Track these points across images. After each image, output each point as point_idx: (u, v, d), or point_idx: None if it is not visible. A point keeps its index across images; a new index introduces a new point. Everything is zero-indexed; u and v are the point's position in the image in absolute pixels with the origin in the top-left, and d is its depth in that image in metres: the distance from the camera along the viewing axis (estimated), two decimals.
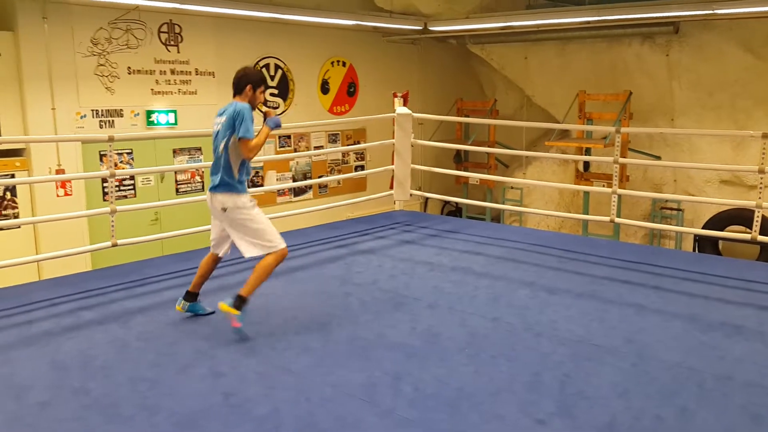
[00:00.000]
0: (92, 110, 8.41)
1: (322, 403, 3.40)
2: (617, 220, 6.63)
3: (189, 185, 9.42)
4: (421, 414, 3.29)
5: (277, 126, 4.43)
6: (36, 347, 4.13)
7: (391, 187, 7.99)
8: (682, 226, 10.42)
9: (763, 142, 5.59)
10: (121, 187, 8.67)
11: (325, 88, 11.28)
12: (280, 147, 10.66)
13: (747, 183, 10.17)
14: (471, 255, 6.30)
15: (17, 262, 5.49)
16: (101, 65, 8.43)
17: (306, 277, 5.61)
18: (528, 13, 10.50)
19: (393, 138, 7.70)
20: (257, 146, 4.22)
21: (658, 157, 10.75)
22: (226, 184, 4.23)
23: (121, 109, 8.66)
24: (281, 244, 4.26)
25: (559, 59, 11.66)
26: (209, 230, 4.61)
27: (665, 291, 5.17)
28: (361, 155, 11.93)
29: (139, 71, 8.79)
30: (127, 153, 8.73)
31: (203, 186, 9.43)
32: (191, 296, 4.58)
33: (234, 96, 4.34)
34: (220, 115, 4.32)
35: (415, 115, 7.76)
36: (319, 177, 11.06)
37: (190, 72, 9.31)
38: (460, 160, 12.64)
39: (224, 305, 4.13)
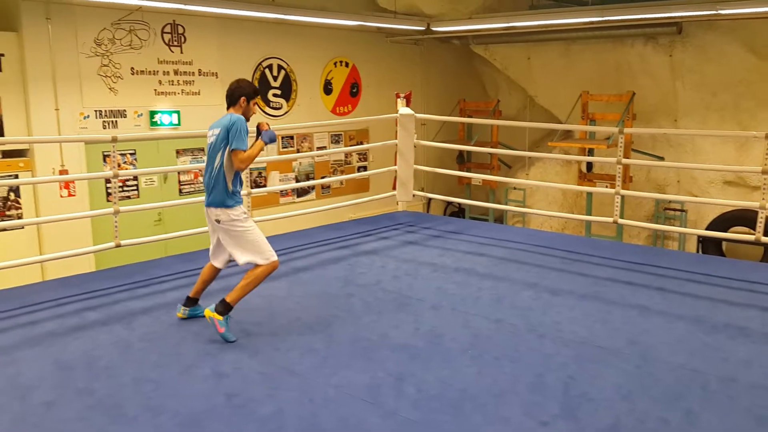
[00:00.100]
0: (96, 111, 8.42)
1: (326, 404, 3.40)
2: (620, 221, 6.62)
3: (192, 186, 9.42)
4: (424, 415, 3.29)
5: (272, 141, 4.45)
6: (40, 348, 4.15)
7: (394, 188, 7.99)
8: (685, 227, 10.41)
9: (766, 142, 5.57)
10: (125, 188, 8.68)
11: (328, 89, 11.29)
12: (283, 147, 10.67)
13: (750, 184, 10.14)
14: (474, 256, 6.29)
15: (21, 263, 5.49)
16: (104, 66, 8.45)
17: (309, 278, 5.61)
18: (531, 14, 10.49)
19: (396, 138, 7.70)
20: (249, 158, 4.25)
21: (662, 158, 10.73)
22: (221, 197, 4.24)
23: (124, 110, 8.67)
24: (273, 257, 4.26)
25: (562, 60, 11.65)
26: None
27: (669, 292, 5.17)
28: (363, 156, 11.93)
29: (142, 72, 8.80)
30: (131, 153, 8.75)
31: None
32: (191, 302, 4.60)
33: (228, 108, 4.37)
34: (214, 127, 4.34)
35: (418, 115, 7.75)
36: (322, 177, 11.06)
37: (193, 73, 9.32)
38: (462, 160, 12.64)
39: (208, 311, 4.17)
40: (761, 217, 5.76)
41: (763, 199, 5.61)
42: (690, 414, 3.30)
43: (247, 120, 4.35)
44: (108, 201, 8.32)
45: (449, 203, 13.03)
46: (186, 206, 7.02)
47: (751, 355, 4.00)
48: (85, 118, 8.32)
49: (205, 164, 4.38)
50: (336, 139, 11.43)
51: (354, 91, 11.72)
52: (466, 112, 12.45)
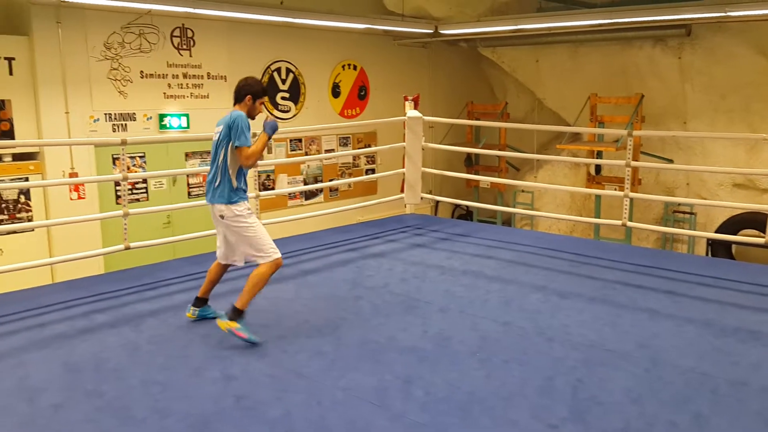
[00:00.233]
0: (105, 114, 8.47)
1: (334, 407, 3.40)
2: (629, 223, 6.59)
3: (201, 188, 9.45)
4: (432, 418, 3.28)
5: (274, 130, 4.39)
6: (49, 350, 4.16)
7: (402, 191, 7.98)
8: (694, 229, 10.36)
9: None
10: (134, 191, 8.72)
11: (336, 92, 11.31)
12: (291, 150, 10.69)
13: (760, 186, 10.09)
14: (482, 259, 6.28)
15: (31, 265, 5.52)
16: (114, 69, 8.49)
17: (317, 281, 5.61)
18: (539, 16, 10.48)
19: (404, 141, 7.70)
20: (255, 154, 4.22)
21: (671, 161, 10.69)
22: (224, 193, 4.23)
23: (133, 113, 8.71)
24: (275, 254, 4.24)
25: (570, 62, 11.62)
26: None
27: (678, 296, 5.14)
28: (371, 158, 11.94)
29: (151, 75, 8.84)
30: (140, 156, 8.78)
31: None
32: (200, 302, 4.61)
33: (234, 104, 4.36)
34: (219, 124, 4.33)
35: (426, 118, 7.75)
36: (330, 180, 11.07)
37: (202, 76, 9.35)
38: (470, 163, 12.63)
39: (221, 322, 4.12)
40: None
41: None
42: (699, 417, 3.28)
43: (252, 118, 4.34)
44: (117, 203, 8.37)
45: (457, 206, 13.01)
46: (194, 209, 7.06)
47: (761, 358, 3.98)
48: (94, 121, 8.37)
49: (210, 161, 4.38)
50: (344, 141, 11.44)
51: (362, 93, 11.73)
52: (474, 115, 12.44)
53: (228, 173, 4.23)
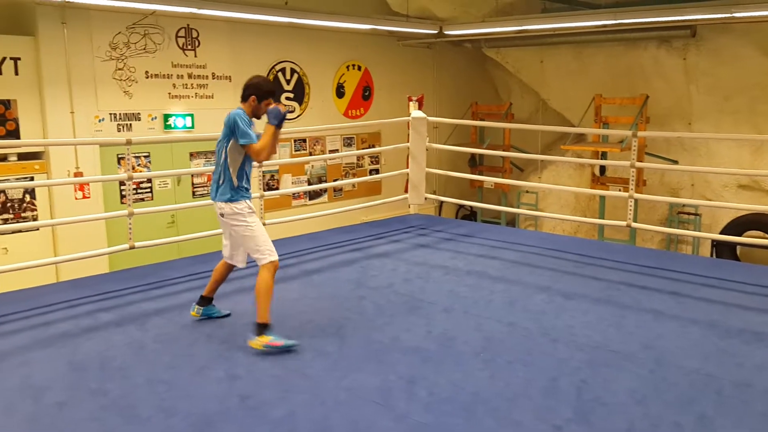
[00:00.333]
0: (110, 114, 8.49)
1: (337, 407, 3.40)
2: (634, 224, 6.58)
3: (205, 188, 9.46)
4: (436, 418, 3.28)
5: (278, 118, 4.20)
6: (54, 348, 4.17)
7: (406, 191, 7.98)
8: (699, 231, 10.34)
9: None
10: (139, 190, 8.74)
11: (340, 92, 11.32)
12: (296, 150, 10.70)
13: (765, 188, 10.07)
14: (486, 259, 6.28)
15: (36, 264, 5.53)
16: (119, 69, 8.52)
17: (321, 281, 5.62)
18: (544, 17, 10.47)
19: (408, 142, 7.70)
20: (264, 148, 4.17)
21: (675, 162, 10.67)
22: (224, 191, 4.23)
23: (138, 113, 8.74)
24: (271, 256, 4.17)
25: (575, 63, 11.61)
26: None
27: (683, 297, 5.13)
28: (375, 159, 11.94)
29: (156, 75, 8.86)
30: (145, 156, 8.80)
31: None
32: (205, 301, 4.61)
33: (241, 102, 4.30)
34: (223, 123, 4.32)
35: (430, 118, 7.75)
36: (334, 180, 11.08)
37: (206, 76, 9.37)
38: (474, 163, 12.62)
39: (253, 343, 4.03)
40: None
41: None
42: (704, 419, 3.27)
43: (258, 118, 4.33)
44: (122, 203, 8.39)
45: (461, 206, 13.00)
46: (199, 208, 7.07)
47: (766, 359, 3.97)
48: (99, 121, 8.39)
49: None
50: (348, 142, 11.44)
51: (366, 94, 11.74)
52: (479, 115, 12.44)
53: (229, 172, 4.22)
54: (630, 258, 6.25)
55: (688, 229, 10.56)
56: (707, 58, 10.17)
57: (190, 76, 9.20)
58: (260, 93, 4.27)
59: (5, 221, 7.70)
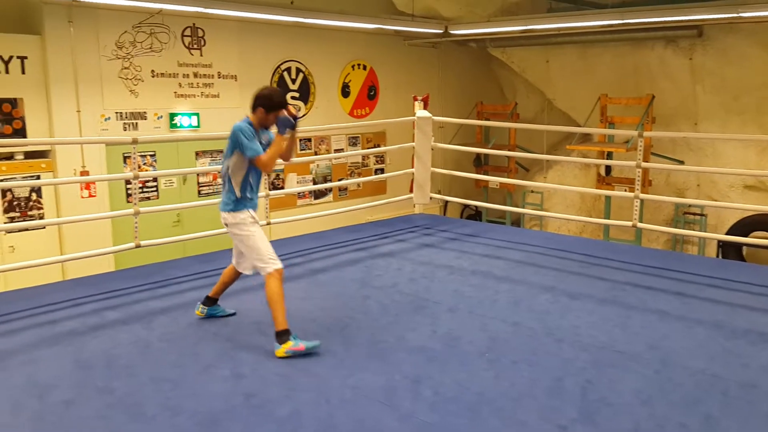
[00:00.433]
0: (116, 113, 8.51)
1: (342, 406, 3.41)
2: (639, 225, 6.57)
3: (211, 187, 9.49)
4: (441, 418, 3.28)
5: (287, 125, 4.20)
6: (60, 346, 4.19)
7: (411, 191, 7.99)
8: (705, 231, 10.30)
9: None
10: (144, 189, 8.76)
11: (345, 92, 11.32)
12: (301, 150, 10.70)
13: None
14: (491, 259, 6.27)
15: (42, 263, 5.56)
16: (125, 68, 8.53)
17: (326, 280, 5.62)
18: (549, 17, 10.45)
19: (413, 141, 7.70)
20: (272, 159, 4.19)
21: (681, 162, 10.64)
22: (227, 202, 4.24)
23: (144, 112, 8.76)
24: (274, 265, 4.15)
25: (580, 62, 11.59)
26: None
27: (689, 297, 5.12)
28: (381, 158, 11.95)
29: (162, 74, 8.88)
30: (151, 155, 8.83)
31: None
32: (211, 301, 4.63)
33: (250, 112, 4.26)
34: None
35: (436, 118, 7.75)
36: (339, 180, 11.09)
37: (212, 75, 9.38)
38: (480, 163, 12.61)
39: (278, 351, 4.00)
40: None
41: None
42: (710, 419, 3.27)
43: (267, 129, 4.31)
44: (128, 202, 8.40)
45: (466, 206, 12.99)
46: (204, 207, 7.08)
47: None
48: (105, 120, 8.42)
49: None
50: (353, 141, 11.45)
51: (371, 93, 11.74)
52: (484, 115, 12.42)
53: (231, 183, 4.22)
54: (635, 258, 6.24)
55: (693, 230, 10.53)
56: (714, 58, 10.14)
57: (195, 75, 9.21)
58: (270, 104, 4.20)
59: (12, 220, 7.73)
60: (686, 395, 3.52)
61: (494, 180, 10.74)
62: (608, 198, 10.69)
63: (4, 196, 7.67)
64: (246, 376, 3.76)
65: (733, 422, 3.25)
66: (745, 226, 9.78)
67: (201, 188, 9.44)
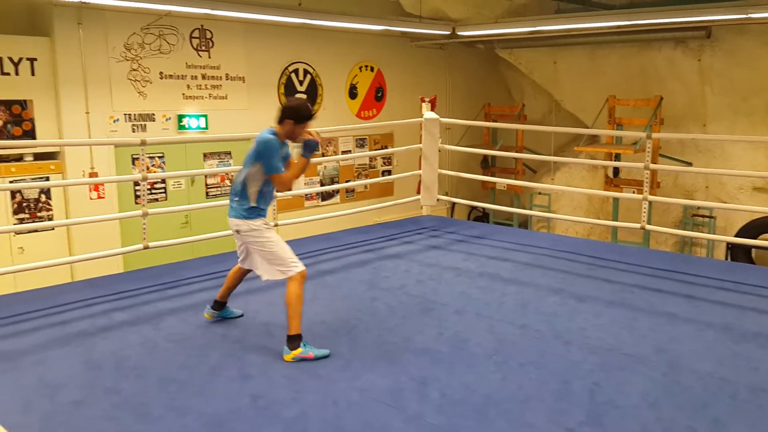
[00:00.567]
0: (125, 114, 8.55)
1: (349, 407, 3.41)
2: (648, 227, 6.54)
3: (219, 189, 9.52)
4: (448, 420, 3.28)
5: (313, 151, 4.26)
6: (70, 347, 4.21)
7: (418, 192, 7.99)
8: (714, 233, 10.25)
9: None
10: (153, 191, 8.80)
11: (353, 93, 11.33)
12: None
13: None
14: (498, 261, 6.26)
15: (51, 264, 5.59)
16: (134, 70, 8.58)
17: (333, 282, 5.63)
18: (557, 18, 10.43)
19: (420, 143, 7.70)
20: (291, 180, 4.16)
21: (690, 164, 10.60)
22: (241, 210, 4.16)
23: (153, 114, 8.79)
24: (297, 267, 4.11)
25: (588, 64, 11.56)
26: None
27: (697, 300, 5.09)
28: (388, 160, 11.95)
29: (170, 76, 8.92)
30: (159, 157, 8.86)
31: None
32: (219, 305, 4.60)
33: (276, 123, 4.20)
34: (254, 139, 4.19)
35: (443, 119, 7.75)
36: (347, 181, 11.10)
37: (220, 77, 9.42)
38: (487, 165, 12.60)
39: (287, 356, 4.00)
40: None
41: None
42: (718, 423, 3.25)
43: (294, 140, 4.26)
44: (136, 203, 8.45)
45: (473, 208, 12.98)
46: (212, 209, 7.10)
47: None
48: (114, 121, 8.46)
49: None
50: (361, 143, 11.46)
51: (379, 95, 11.75)
52: (491, 117, 12.41)
53: (247, 192, 4.15)
54: (643, 260, 6.21)
55: (702, 232, 10.47)
56: (722, 60, 10.09)
57: (203, 76, 9.25)
58: (298, 117, 4.17)
59: (21, 221, 7.78)
60: (694, 398, 3.50)
61: (501, 182, 10.73)
62: (616, 200, 10.66)
63: (13, 197, 7.72)
64: (253, 377, 3.77)
65: (741, 426, 3.23)
66: (754, 228, 9.73)
67: (209, 190, 9.47)
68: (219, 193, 9.51)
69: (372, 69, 11.57)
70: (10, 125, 7.66)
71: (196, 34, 9.11)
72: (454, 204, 12.18)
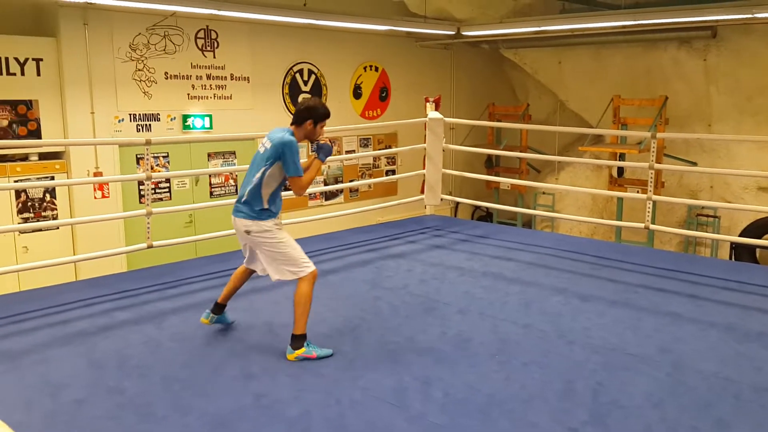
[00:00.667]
0: (130, 114, 8.57)
1: (352, 407, 3.41)
2: (652, 226, 6.52)
3: (223, 188, 9.53)
4: (451, 420, 3.28)
5: (328, 155, 4.29)
6: (72, 346, 4.22)
7: (422, 192, 7.98)
8: (718, 233, 10.22)
9: None
10: (157, 190, 8.82)
11: (357, 93, 11.34)
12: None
13: None
14: (502, 260, 6.26)
15: (55, 263, 5.60)
16: (139, 70, 8.60)
17: (336, 281, 5.63)
18: (562, 18, 10.41)
19: (424, 142, 7.70)
20: (308, 182, 4.14)
21: (694, 163, 10.57)
22: (252, 211, 4.08)
23: (157, 114, 8.82)
24: (309, 267, 4.07)
25: (593, 63, 11.54)
26: None
27: (701, 300, 5.08)
28: (392, 159, 11.95)
29: (175, 76, 8.94)
30: (163, 156, 8.88)
31: (236, 189, 9.53)
32: (219, 308, 4.45)
33: (291, 124, 4.16)
34: (270, 139, 4.11)
35: (447, 119, 7.74)
36: (351, 181, 11.10)
37: (225, 77, 9.43)
38: (491, 165, 12.59)
39: (290, 355, 3.99)
40: None
41: None
42: (721, 423, 3.24)
43: (312, 142, 4.25)
44: (141, 203, 8.47)
45: (477, 207, 12.97)
46: (216, 208, 7.12)
47: None
48: (119, 121, 8.48)
49: (247, 171, 4.20)
50: (365, 142, 11.46)
51: (383, 95, 11.75)
52: (496, 116, 12.40)
53: (260, 193, 4.08)
54: (648, 260, 6.20)
55: (706, 232, 10.44)
56: (728, 59, 10.06)
57: (208, 77, 9.26)
58: (318, 115, 4.15)
59: (26, 220, 7.81)
60: (698, 398, 3.49)
61: (505, 181, 10.71)
62: (620, 199, 10.63)
63: (18, 196, 7.75)
64: (256, 376, 3.77)
65: (745, 426, 3.22)
66: (758, 228, 9.70)
67: (213, 189, 9.49)
68: (223, 192, 9.53)
69: (376, 69, 11.57)
70: (16, 125, 7.69)
71: (201, 34, 9.13)
72: (457, 203, 12.17)
